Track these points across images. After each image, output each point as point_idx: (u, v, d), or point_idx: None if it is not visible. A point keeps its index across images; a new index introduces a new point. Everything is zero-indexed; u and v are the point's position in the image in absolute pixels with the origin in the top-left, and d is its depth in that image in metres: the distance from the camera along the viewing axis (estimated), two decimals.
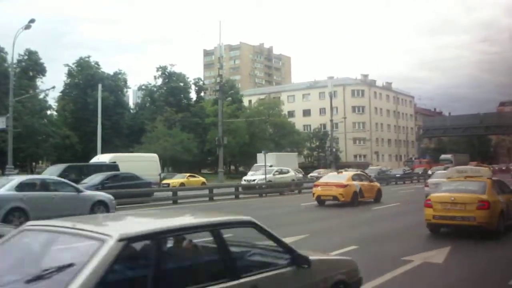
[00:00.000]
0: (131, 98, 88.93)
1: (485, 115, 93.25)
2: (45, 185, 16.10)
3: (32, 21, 35.48)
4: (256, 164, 46.39)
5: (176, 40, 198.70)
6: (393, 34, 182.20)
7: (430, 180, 24.72)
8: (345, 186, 21.86)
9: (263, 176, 35.24)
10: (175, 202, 24.16)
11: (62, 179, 17.56)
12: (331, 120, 65.24)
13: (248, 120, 68.72)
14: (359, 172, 27.69)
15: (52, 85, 75.71)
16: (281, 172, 39.00)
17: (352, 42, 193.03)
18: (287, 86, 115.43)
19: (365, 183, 23.61)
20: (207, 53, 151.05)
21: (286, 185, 33.94)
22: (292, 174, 40.14)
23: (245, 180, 38.00)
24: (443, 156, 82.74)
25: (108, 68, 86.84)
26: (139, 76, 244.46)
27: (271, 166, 40.41)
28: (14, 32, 36.05)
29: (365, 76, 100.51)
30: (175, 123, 60.37)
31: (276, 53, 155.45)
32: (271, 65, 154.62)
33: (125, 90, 70.95)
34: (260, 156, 44.99)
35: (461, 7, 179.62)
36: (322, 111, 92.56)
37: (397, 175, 50.13)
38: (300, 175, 45.97)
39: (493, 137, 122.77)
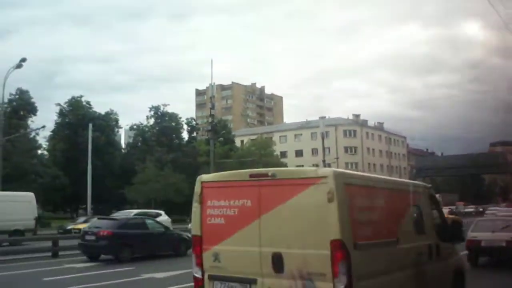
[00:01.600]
0: (123, 137, 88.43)
1: (477, 155, 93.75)
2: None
3: (23, 60, 35.29)
4: None
5: (169, 79, 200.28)
6: (383, 73, 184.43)
7: None
8: None
9: None
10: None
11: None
12: (324, 161, 64.66)
13: (240, 161, 68.16)
14: None
15: (43, 124, 75.07)
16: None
17: (343, 81, 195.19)
18: (279, 126, 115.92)
19: None
20: (199, 93, 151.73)
21: None
22: (164, 218, 28.82)
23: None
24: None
25: (101, 107, 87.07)
26: (132, 115, 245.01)
27: None
28: (6, 71, 35.72)
29: (357, 116, 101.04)
30: (167, 164, 59.60)
31: (268, 93, 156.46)
32: (263, 105, 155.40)
33: (116, 130, 70.46)
34: None
35: (450, 47, 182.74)
36: (314, 151, 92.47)
37: None
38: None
39: (486, 177, 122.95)
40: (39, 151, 62.72)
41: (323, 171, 5.67)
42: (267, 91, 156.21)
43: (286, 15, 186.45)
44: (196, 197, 6.38)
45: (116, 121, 69.29)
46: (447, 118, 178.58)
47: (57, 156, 64.66)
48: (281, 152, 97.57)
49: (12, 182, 41.84)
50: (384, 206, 6.43)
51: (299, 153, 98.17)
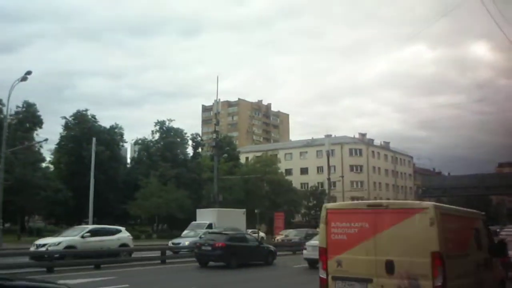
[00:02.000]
0: (129, 152, 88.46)
1: (484, 176, 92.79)
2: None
3: (28, 73, 35.23)
4: (194, 222, 38.35)
5: (177, 95, 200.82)
6: (390, 93, 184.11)
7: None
8: None
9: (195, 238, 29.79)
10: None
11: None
12: (329, 179, 64.62)
13: (244, 177, 67.86)
14: None
15: (50, 137, 75.15)
16: (98, 233, 24.64)
17: (350, 100, 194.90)
18: (285, 144, 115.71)
19: None
20: (205, 109, 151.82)
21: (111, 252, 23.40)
22: (124, 235, 26.35)
23: (172, 244, 31.06)
24: None
25: (108, 121, 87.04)
26: (139, 130, 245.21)
27: (210, 224, 35.11)
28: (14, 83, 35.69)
29: (363, 135, 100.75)
30: (170, 179, 59.35)
31: (274, 110, 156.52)
32: (269, 122, 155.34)
33: (121, 144, 70.39)
34: (200, 213, 40.25)
35: (457, 68, 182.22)
36: (319, 169, 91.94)
37: None
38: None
39: (493, 198, 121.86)
40: (44, 164, 62.70)
41: (425, 204, 8.17)
42: (274, 108, 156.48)
43: (293, 33, 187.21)
44: (322, 220, 8.66)
45: (121, 135, 69.31)
46: (454, 138, 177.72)
47: (62, 169, 64.68)
48: (286, 170, 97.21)
49: (14, 194, 41.78)
50: (460, 228, 8.90)
51: (304, 171, 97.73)
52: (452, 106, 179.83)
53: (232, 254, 22.47)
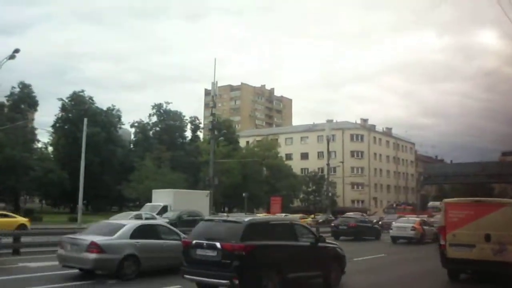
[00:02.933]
0: (132, 135, 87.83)
1: (487, 164, 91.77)
2: None
3: (16, 51, 34.44)
4: (148, 204, 36.26)
5: (180, 79, 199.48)
6: (395, 80, 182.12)
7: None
8: None
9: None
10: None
11: None
12: (328, 164, 63.81)
13: (241, 161, 67.21)
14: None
15: (46, 119, 74.47)
16: None
17: (355, 86, 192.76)
18: (286, 129, 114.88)
19: None
20: (208, 93, 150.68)
21: None
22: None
23: None
24: (431, 203, 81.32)
25: (109, 104, 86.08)
26: (142, 114, 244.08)
27: (164, 207, 32.73)
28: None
29: (365, 120, 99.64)
30: (164, 162, 58.68)
31: (277, 95, 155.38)
32: (272, 107, 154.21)
33: (118, 126, 69.70)
34: (156, 194, 37.99)
35: (464, 55, 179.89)
36: (320, 154, 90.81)
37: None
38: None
39: (496, 186, 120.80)
40: (39, 145, 62.26)
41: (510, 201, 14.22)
42: (277, 93, 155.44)
43: (299, 18, 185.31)
44: (442, 208, 14.48)
45: (119, 117, 68.73)
46: (458, 126, 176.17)
47: (59, 151, 64.15)
48: (286, 154, 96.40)
49: (2, 174, 41.28)
50: None
51: (304, 156, 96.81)
52: (458, 94, 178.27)
53: (357, 232, 31.20)
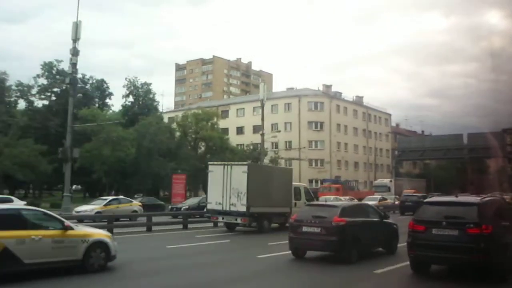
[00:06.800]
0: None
1: (469, 136, 78.04)
2: None
3: None
4: None
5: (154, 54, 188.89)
6: (400, 61, 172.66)
7: None
8: None
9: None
10: None
11: None
12: (262, 134, 51.84)
13: (139, 131, 55.03)
14: None
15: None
16: None
17: (358, 68, 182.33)
18: (235, 99, 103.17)
19: None
20: (179, 68, 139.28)
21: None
22: None
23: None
24: (377, 182, 68.90)
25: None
26: None
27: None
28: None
29: (328, 87, 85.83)
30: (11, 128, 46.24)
31: (255, 69, 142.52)
32: (249, 82, 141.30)
33: None
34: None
35: (471, 36, 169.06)
36: (274, 126, 78.03)
37: None
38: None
39: (491, 163, 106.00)
40: None
41: None
42: (255, 67, 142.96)
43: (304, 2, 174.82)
44: None
45: None
46: (462, 107, 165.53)
47: None
48: (237, 128, 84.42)
49: None
50: None
51: (257, 129, 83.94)
52: (463, 75, 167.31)
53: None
